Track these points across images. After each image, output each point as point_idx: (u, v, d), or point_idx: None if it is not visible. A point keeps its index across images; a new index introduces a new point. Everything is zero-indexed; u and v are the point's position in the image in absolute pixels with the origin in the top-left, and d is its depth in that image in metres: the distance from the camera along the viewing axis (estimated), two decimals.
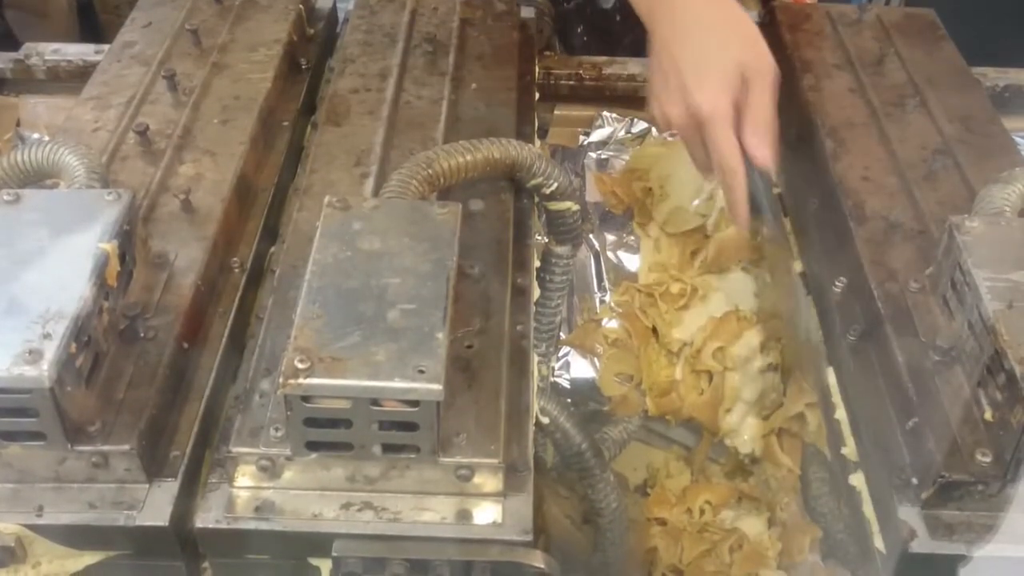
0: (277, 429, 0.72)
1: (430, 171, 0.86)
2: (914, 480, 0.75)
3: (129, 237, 0.79)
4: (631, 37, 1.76)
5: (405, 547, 0.70)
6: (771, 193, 1.04)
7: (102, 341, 0.74)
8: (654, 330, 1.18)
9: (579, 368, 1.17)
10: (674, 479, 1.24)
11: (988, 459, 0.72)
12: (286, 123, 1.09)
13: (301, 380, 0.66)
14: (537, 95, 1.21)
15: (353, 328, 0.69)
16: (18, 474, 0.72)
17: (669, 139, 1.30)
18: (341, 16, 1.30)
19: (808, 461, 1.14)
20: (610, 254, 1.24)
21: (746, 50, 0.96)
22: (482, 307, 0.83)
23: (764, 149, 0.95)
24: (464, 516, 0.72)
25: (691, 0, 1.00)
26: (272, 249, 0.94)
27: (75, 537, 0.72)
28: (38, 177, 0.87)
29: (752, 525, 1.21)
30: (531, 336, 0.86)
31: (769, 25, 1.22)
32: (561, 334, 1.18)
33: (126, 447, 0.71)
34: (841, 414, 0.89)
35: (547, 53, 1.38)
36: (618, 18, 1.79)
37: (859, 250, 0.91)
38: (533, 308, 0.91)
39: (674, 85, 0.96)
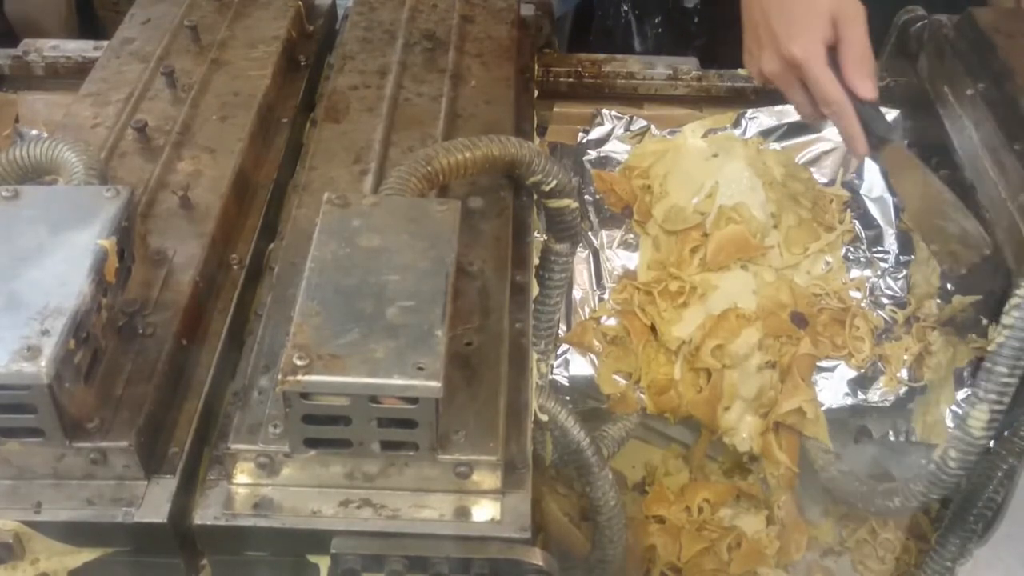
0: (276, 426, 0.72)
1: (429, 168, 0.86)
2: None
3: (128, 234, 0.79)
4: (703, 40, 1.78)
5: (404, 544, 0.70)
6: (883, 117, 1.08)
7: (101, 337, 0.74)
8: (653, 328, 1.18)
9: (578, 366, 1.17)
10: (672, 477, 1.25)
11: None
12: (285, 120, 1.08)
13: (300, 377, 0.66)
14: (536, 92, 1.21)
15: (352, 325, 0.69)
16: (16, 470, 0.72)
17: (668, 137, 1.30)
18: (340, 13, 1.30)
19: (812, 448, 1.15)
20: (609, 252, 1.24)
21: None
22: (481, 304, 0.83)
23: (866, 81, 1.01)
24: (463, 513, 0.72)
25: None
26: (271, 246, 0.94)
27: (73, 534, 0.72)
28: (37, 173, 0.87)
29: (750, 523, 1.21)
30: (530, 334, 0.86)
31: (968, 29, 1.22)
32: (560, 331, 1.18)
33: (124, 444, 0.71)
34: None
35: (546, 50, 1.38)
36: (696, 19, 1.80)
37: None
38: (532, 306, 0.91)
39: (766, 37, 1.03)
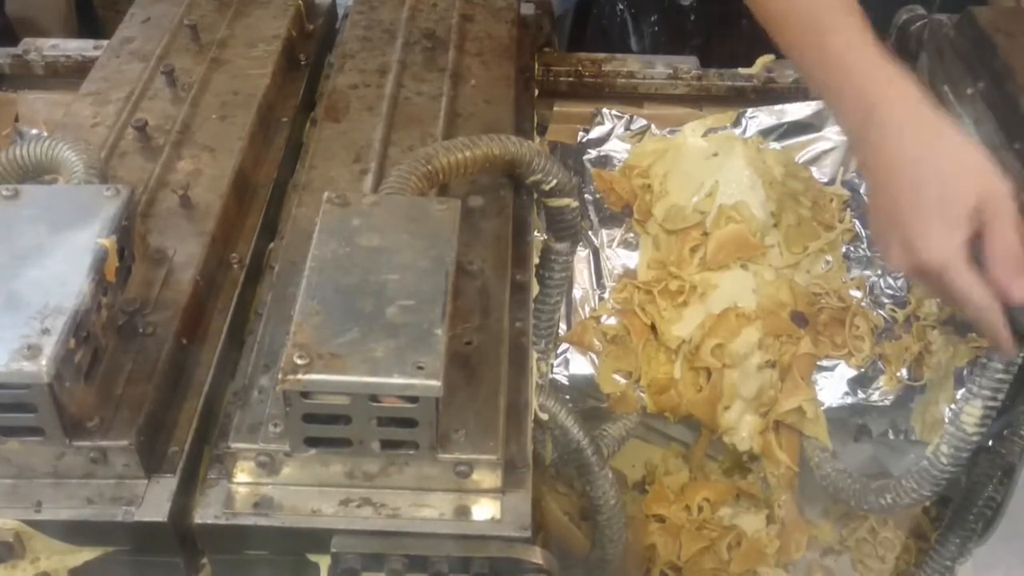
0: (276, 425, 0.72)
1: (429, 167, 0.86)
2: None
3: (128, 233, 0.79)
4: (700, 39, 1.77)
5: (404, 543, 0.70)
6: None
7: (101, 337, 0.74)
8: (653, 327, 1.18)
9: (578, 365, 1.17)
10: (672, 476, 1.25)
11: None
12: (285, 119, 1.08)
13: (300, 376, 0.66)
14: (536, 92, 1.21)
15: (352, 324, 0.69)
16: (16, 469, 0.72)
17: (668, 136, 1.30)
18: (340, 12, 1.30)
19: (808, 445, 1.15)
20: (609, 251, 1.24)
21: (974, 181, 0.85)
22: (481, 304, 0.83)
23: (1018, 285, 0.84)
24: (463, 512, 0.72)
25: (903, 130, 0.88)
26: (271, 245, 0.94)
27: (73, 533, 0.72)
28: (37, 173, 0.87)
29: (750, 522, 1.21)
30: (530, 333, 0.86)
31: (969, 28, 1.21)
32: (560, 331, 1.18)
33: (124, 443, 0.71)
34: None
35: (546, 49, 1.38)
36: (692, 18, 1.80)
37: None
38: (532, 305, 0.91)
39: (897, 235, 0.87)
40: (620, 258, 1.24)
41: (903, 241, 0.87)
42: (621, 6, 1.86)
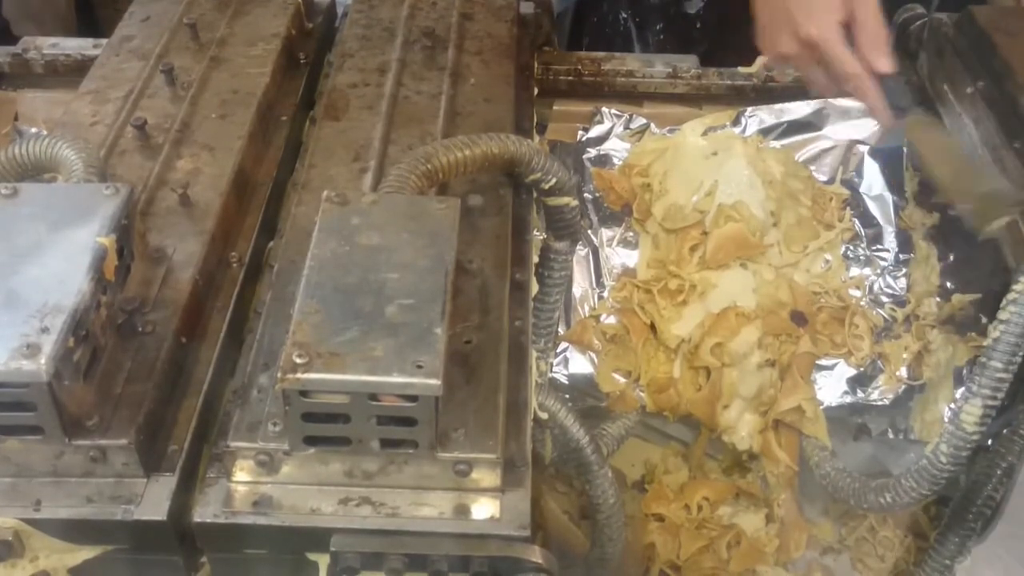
0: (275, 424, 0.72)
1: (429, 166, 0.86)
2: None
3: (127, 231, 0.79)
4: (705, 47, 1.77)
5: (403, 542, 0.70)
6: (903, 88, 1.15)
7: (100, 335, 0.74)
8: (652, 326, 1.18)
9: (577, 364, 1.17)
10: (672, 475, 1.25)
11: None
12: (284, 118, 1.08)
13: (299, 375, 0.66)
14: (536, 90, 1.21)
15: (351, 323, 0.69)
16: (16, 468, 0.72)
17: (667, 135, 1.30)
18: (340, 10, 1.30)
19: (808, 445, 1.15)
20: (608, 250, 1.24)
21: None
22: (480, 302, 0.83)
23: (882, 56, 1.06)
24: (462, 511, 0.72)
25: None
26: (270, 244, 0.94)
27: (73, 531, 0.72)
28: (36, 171, 0.86)
29: (750, 521, 1.21)
30: (529, 332, 0.86)
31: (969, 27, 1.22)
32: (559, 330, 1.18)
33: (124, 441, 0.71)
34: None
35: (546, 48, 1.38)
36: (698, 25, 1.79)
37: None
38: (531, 304, 0.91)
39: (782, 18, 1.08)
40: (619, 257, 1.24)
41: (789, 21, 1.07)
42: (624, 15, 1.85)
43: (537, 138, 1.21)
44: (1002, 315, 0.92)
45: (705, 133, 1.28)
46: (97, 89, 1.06)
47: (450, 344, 0.71)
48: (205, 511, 0.72)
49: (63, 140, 0.85)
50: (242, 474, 0.73)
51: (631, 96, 1.36)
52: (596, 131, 1.33)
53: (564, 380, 1.17)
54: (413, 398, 0.67)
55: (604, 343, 1.18)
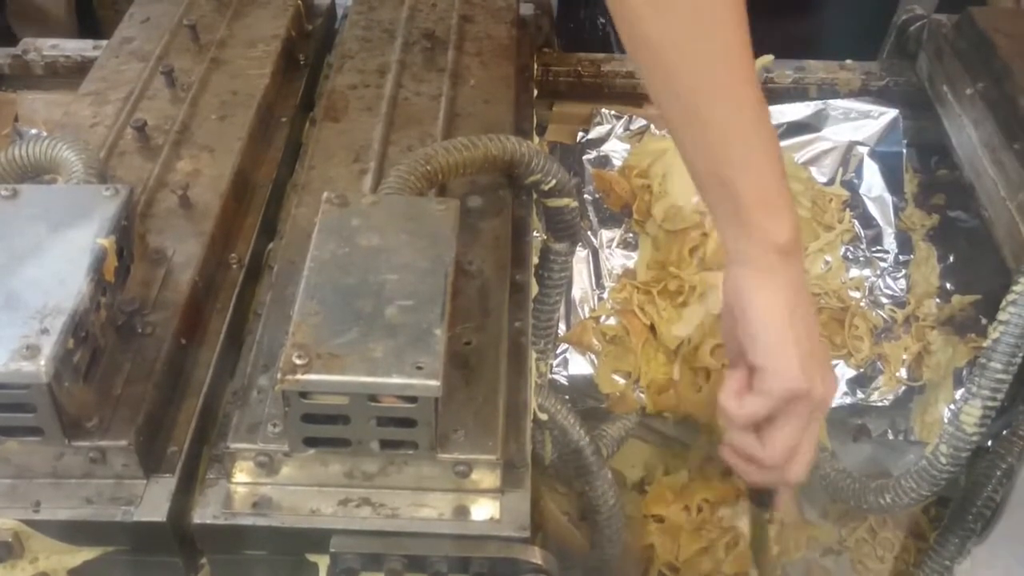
0: (275, 425, 0.72)
1: (428, 167, 0.86)
2: None
3: (127, 233, 0.79)
4: None
5: (403, 543, 0.70)
6: None
7: (100, 337, 0.74)
8: (652, 327, 1.18)
9: (577, 365, 1.17)
10: (672, 477, 1.25)
11: None
12: (284, 119, 1.08)
13: (299, 376, 0.66)
14: (535, 92, 1.21)
15: (351, 324, 0.69)
16: (15, 469, 0.72)
17: (667, 136, 1.30)
18: (340, 12, 1.30)
19: None
20: (608, 251, 1.24)
21: (816, 373, 0.84)
22: (480, 304, 0.83)
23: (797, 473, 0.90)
24: (462, 512, 0.72)
25: (764, 285, 0.84)
26: (270, 245, 0.94)
27: (72, 533, 0.72)
28: (36, 172, 0.86)
29: (748, 521, 1.21)
30: (529, 333, 0.86)
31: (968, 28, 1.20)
32: (559, 331, 1.18)
33: (123, 443, 0.71)
34: None
35: (546, 50, 1.38)
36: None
37: None
38: (531, 305, 0.91)
39: (813, 359, 0.85)
40: (619, 258, 1.24)
41: (820, 364, 0.85)
42: (603, 19, 1.84)
43: (537, 139, 1.21)
44: (1002, 316, 0.92)
45: None
46: (97, 90, 1.06)
47: (450, 345, 0.71)
48: (205, 512, 0.72)
49: (63, 141, 0.85)
50: (242, 475, 0.73)
51: (631, 97, 1.36)
52: (596, 132, 1.33)
53: (564, 381, 1.17)
54: (413, 399, 0.67)
55: (604, 344, 1.18)
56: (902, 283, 1.21)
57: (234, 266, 0.90)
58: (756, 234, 0.82)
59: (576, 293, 1.21)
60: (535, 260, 1.00)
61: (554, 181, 0.94)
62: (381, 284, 0.73)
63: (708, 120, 0.80)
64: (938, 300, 1.19)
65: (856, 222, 1.25)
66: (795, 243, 0.84)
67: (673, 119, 0.84)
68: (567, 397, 1.15)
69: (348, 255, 0.75)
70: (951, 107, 1.21)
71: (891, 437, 1.17)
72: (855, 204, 1.26)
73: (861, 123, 1.28)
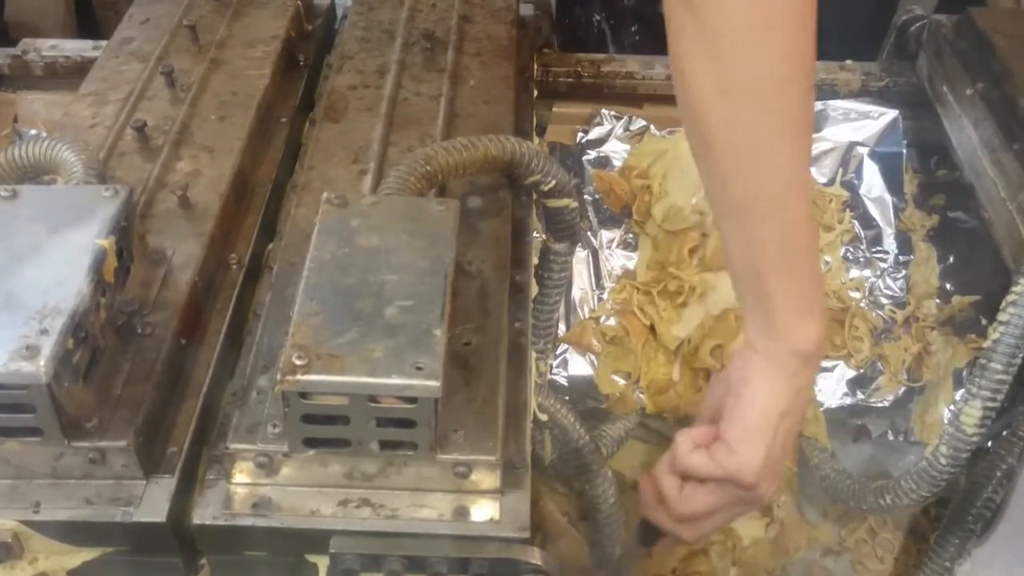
0: (275, 426, 0.72)
1: (428, 168, 0.86)
2: None
3: (127, 233, 0.79)
4: None
5: (402, 544, 0.70)
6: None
7: (99, 337, 0.74)
8: (652, 328, 1.18)
9: (577, 366, 1.17)
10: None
11: None
12: (284, 119, 1.08)
13: (299, 377, 0.66)
14: (535, 92, 1.21)
15: (351, 325, 0.69)
16: (15, 470, 0.72)
17: (667, 136, 1.30)
18: (339, 12, 1.30)
19: (808, 446, 1.15)
20: (608, 252, 1.24)
21: (770, 479, 0.86)
22: (480, 304, 0.83)
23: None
24: (461, 513, 0.72)
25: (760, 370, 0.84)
26: (270, 246, 0.94)
27: (72, 533, 0.71)
28: (36, 173, 0.86)
29: (749, 529, 1.21)
30: (529, 333, 0.86)
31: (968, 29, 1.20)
32: (559, 331, 1.18)
33: (123, 443, 0.71)
34: None
35: (545, 50, 1.38)
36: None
37: None
38: (531, 305, 0.91)
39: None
40: (619, 259, 1.24)
41: (775, 473, 0.86)
42: (598, 17, 1.84)
43: (536, 140, 1.21)
44: (1002, 316, 0.92)
45: None
46: (97, 91, 1.06)
47: (449, 346, 0.71)
48: (204, 513, 0.71)
49: (62, 142, 0.85)
50: (241, 476, 0.73)
51: (631, 98, 1.36)
52: (596, 133, 1.33)
53: (564, 382, 1.17)
54: (412, 400, 0.67)
55: (604, 345, 1.18)
56: (902, 284, 1.21)
57: (234, 266, 0.90)
58: (782, 335, 0.82)
59: (576, 293, 1.21)
60: (535, 260, 1.00)
61: (554, 182, 0.94)
62: (381, 285, 0.73)
63: (756, 228, 0.79)
64: (938, 301, 1.19)
65: (856, 223, 1.25)
66: (818, 351, 0.84)
67: (720, 209, 0.82)
68: (567, 397, 1.15)
69: (348, 255, 0.75)
70: (951, 107, 1.21)
71: (891, 438, 1.17)
72: (855, 205, 1.26)
73: (861, 123, 1.28)
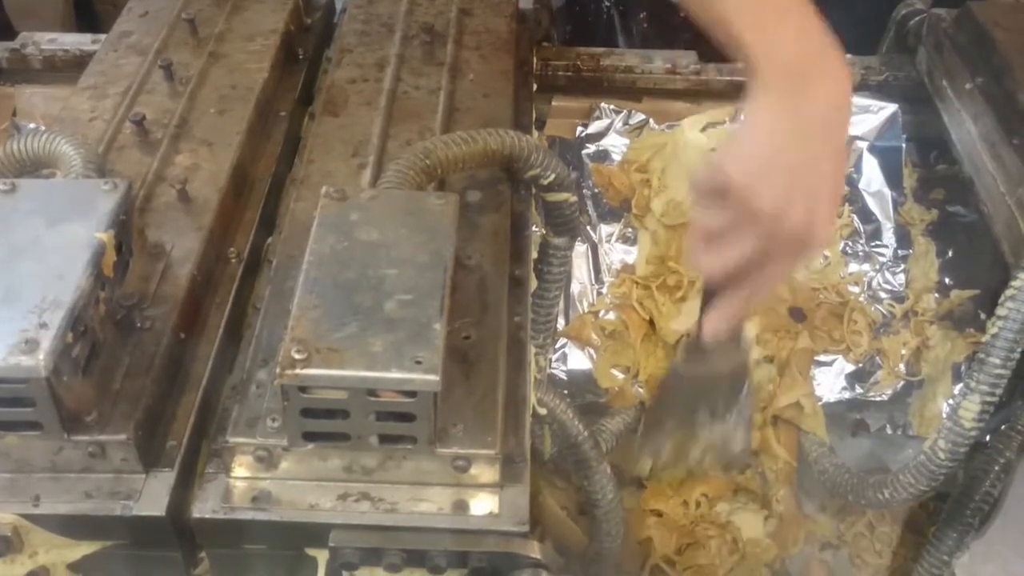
0: (274, 419, 0.72)
1: (428, 162, 0.86)
2: None
3: (126, 227, 0.78)
4: (691, 34, 1.75)
5: (401, 537, 0.70)
6: None
7: (99, 331, 0.74)
8: (651, 322, 1.18)
9: (576, 360, 1.17)
10: (670, 471, 1.25)
11: None
12: (283, 113, 1.08)
13: (298, 370, 0.66)
14: (535, 86, 1.21)
15: (350, 319, 0.69)
16: (15, 464, 0.72)
17: (666, 131, 1.30)
18: (338, 6, 1.30)
19: (806, 440, 1.15)
20: (607, 246, 1.24)
21: (798, 203, 0.77)
22: (479, 298, 0.83)
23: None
24: (461, 507, 0.72)
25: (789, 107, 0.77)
26: (269, 239, 0.94)
27: (72, 527, 0.72)
28: (35, 167, 0.86)
29: (748, 520, 1.21)
30: (528, 328, 0.86)
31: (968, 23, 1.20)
32: (558, 325, 1.18)
33: (122, 437, 0.71)
34: None
35: (545, 44, 1.37)
36: (683, 13, 1.78)
37: None
38: (530, 299, 0.91)
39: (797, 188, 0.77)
40: (618, 253, 1.24)
41: (807, 196, 0.77)
42: (607, 3, 1.83)
43: (536, 134, 1.21)
44: (1000, 311, 0.92)
45: (704, 129, 1.27)
46: (95, 85, 1.06)
47: (449, 340, 0.71)
48: (204, 507, 0.72)
49: (61, 136, 0.85)
50: (241, 470, 0.73)
51: (630, 92, 1.35)
52: (595, 127, 1.33)
53: (563, 376, 1.17)
54: (412, 394, 0.67)
55: (603, 339, 1.18)
56: (901, 278, 1.21)
57: (233, 260, 0.90)
58: (751, 51, 0.77)
59: (575, 288, 1.21)
60: (534, 255, 1.00)
61: (553, 175, 0.93)
62: (380, 278, 0.73)
63: None
64: (937, 295, 1.19)
65: (855, 217, 1.25)
66: (803, 60, 0.75)
67: None
68: (566, 392, 1.15)
69: (347, 249, 0.75)
70: (950, 102, 1.21)
71: (890, 432, 1.17)
72: (854, 199, 1.26)
73: (860, 118, 1.28)
